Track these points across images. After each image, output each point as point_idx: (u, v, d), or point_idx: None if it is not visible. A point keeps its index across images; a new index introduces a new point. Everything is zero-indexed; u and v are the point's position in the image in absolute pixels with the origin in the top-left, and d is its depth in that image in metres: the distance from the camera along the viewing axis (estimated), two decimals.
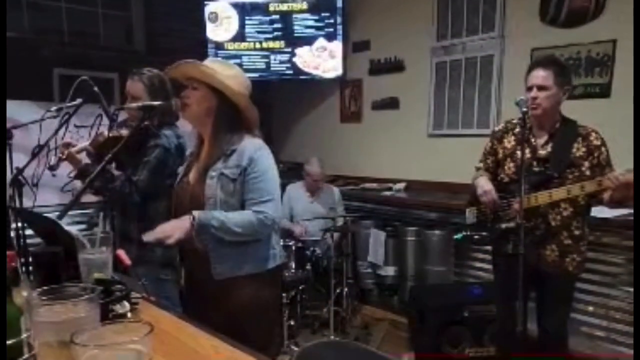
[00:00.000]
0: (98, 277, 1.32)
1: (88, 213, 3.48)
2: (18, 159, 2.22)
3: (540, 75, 2.31)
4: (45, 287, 0.87)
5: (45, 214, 1.70)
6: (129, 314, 1.25)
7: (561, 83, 2.32)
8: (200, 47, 4.99)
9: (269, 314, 1.87)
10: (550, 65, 2.34)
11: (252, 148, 1.84)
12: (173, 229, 1.72)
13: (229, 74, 1.85)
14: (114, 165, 2.31)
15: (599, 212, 2.64)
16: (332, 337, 3.60)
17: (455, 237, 2.82)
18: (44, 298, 0.82)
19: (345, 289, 3.91)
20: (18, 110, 3.59)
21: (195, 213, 1.73)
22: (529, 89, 2.34)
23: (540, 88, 2.30)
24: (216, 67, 1.84)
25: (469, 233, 2.65)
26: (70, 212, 2.24)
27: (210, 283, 1.82)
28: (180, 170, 2.03)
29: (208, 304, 1.85)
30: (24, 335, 0.82)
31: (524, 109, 2.25)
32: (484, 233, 2.58)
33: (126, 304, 1.26)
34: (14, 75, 3.84)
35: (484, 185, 2.49)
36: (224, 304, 1.82)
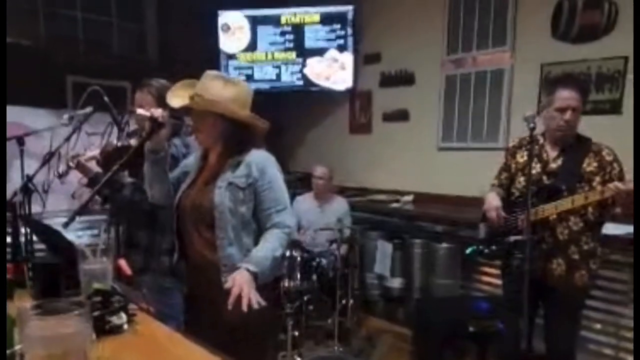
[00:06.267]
0: (97, 287, 1.34)
1: (99, 220, 3.52)
2: (30, 165, 2.26)
3: (575, 97, 2.32)
4: (37, 301, 0.88)
5: (47, 223, 1.72)
6: (125, 326, 1.26)
7: (584, 102, 2.37)
8: (212, 57, 5.04)
9: (265, 326, 1.87)
10: (580, 85, 2.39)
11: (261, 159, 1.89)
12: (244, 287, 1.69)
13: (231, 97, 1.85)
14: (126, 173, 2.34)
15: (610, 229, 2.62)
16: (336, 348, 3.59)
17: (466, 251, 2.82)
18: (35, 312, 0.83)
19: (351, 301, 3.90)
20: (31, 118, 3.67)
21: (245, 265, 1.73)
22: (562, 110, 2.32)
23: (574, 110, 2.31)
24: (220, 92, 1.84)
25: (480, 247, 2.65)
26: (82, 219, 2.29)
27: (217, 294, 1.83)
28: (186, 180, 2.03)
29: (211, 315, 1.85)
30: (16, 347, 0.84)
31: (532, 125, 2.25)
32: (494, 247, 2.58)
33: (123, 315, 1.27)
34: (28, 82, 3.92)
35: (491, 200, 2.51)
36: (227, 315, 1.82)
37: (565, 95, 2.32)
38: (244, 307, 1.62)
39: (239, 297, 1.63)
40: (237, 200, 1.83)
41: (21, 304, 0.93)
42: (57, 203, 2.80)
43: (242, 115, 1.87)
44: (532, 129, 2.25)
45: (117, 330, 1.25)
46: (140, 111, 2.07)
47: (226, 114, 1.84)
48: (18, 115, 3.62)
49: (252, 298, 1.65)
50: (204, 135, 1.90)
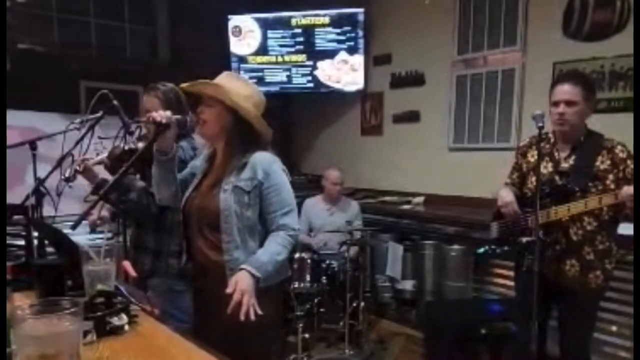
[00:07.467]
0: (100, 288, 1.35)
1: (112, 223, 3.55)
2: (45, 170, 2.28)
3: (568, 91, 2.26)
4: (33, 301, 0.89)
5: (55, 226, 1.74)
6: (126, 327, 1.27)
7: (588, 98, 2.29)
8: (223, 60, 5.07)
9: (271, 329, 1.87)
10: (578, 80, 2.31)
11: (266, 161, 1.88)
12: (245, 294, 1.66)
13: (244, 94, 1.87)
14: (138, 176, 2.35)
15: (626, 228, 2.57)
16: (347, 351, 3.58)
17: (478, 251, 2.79)
18: (28, 312, 0.84)
19: (362, 303, 3.88)
20: (45, 123, 3.71)
21: (248, 268, 1.72)
22: (555, 104, 2.29)
23: (569, 103, 2.26)
24: (232, 86, 1.86)
25: (492, 247, 2.62)
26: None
27: (222, 297, 1.83)
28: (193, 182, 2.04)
29: (218, 316, 1.85)
30: (13, 347, 0.85)
31: (540, 124, 2.22)
32: (506, 247, 2.55)
33: (124, 316, 1.28)
34: (42, 88, 3.98)
35: (505, 196, 2.48)
36: (233, 316, 1.82)
37: (560, 90, 2.28)
38: (242, 317, 1.61)
39: (238, 304, 1.63)
40: (243, 204, 1.83)
41: (14, 304, 0.94)
42: (70, 206, 2.83)
43: (251, 113, 1.87)
44: (541, 128, 2.22)
45: (117, 331, 1.25)
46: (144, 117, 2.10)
47: (234, 107, 1.83)
48: (32, 121, 3.67)
49: (250, 309, 1.64)
50: (209, 126, 1.88)
